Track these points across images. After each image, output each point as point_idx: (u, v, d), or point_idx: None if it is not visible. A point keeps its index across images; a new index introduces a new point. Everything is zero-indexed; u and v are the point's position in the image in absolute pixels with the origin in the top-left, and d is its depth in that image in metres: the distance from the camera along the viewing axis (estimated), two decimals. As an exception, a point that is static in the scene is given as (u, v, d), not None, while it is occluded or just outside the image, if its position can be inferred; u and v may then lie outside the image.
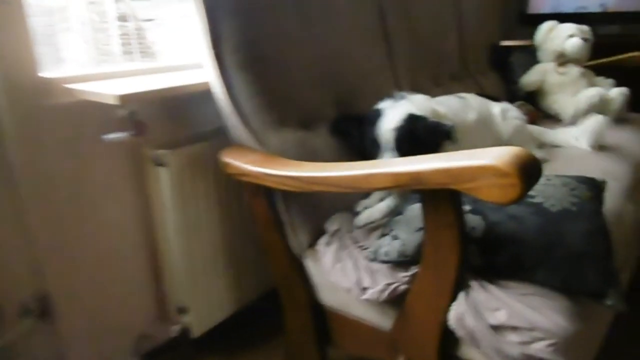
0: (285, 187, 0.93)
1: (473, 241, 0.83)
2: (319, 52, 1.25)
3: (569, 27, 2.05)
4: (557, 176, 1.01)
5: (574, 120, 1.85)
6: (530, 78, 2.05)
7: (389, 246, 0.89)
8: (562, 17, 2.16)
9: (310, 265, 1.09)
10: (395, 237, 0.89)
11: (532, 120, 1.97)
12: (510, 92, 2.20)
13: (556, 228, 0.80)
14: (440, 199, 0.76)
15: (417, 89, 1.61)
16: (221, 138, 1.13)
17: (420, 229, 0.86)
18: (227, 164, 1.05)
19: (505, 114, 1.44)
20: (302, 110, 1.17)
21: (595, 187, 0.97)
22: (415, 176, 0.72)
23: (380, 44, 1.50)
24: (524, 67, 2.16)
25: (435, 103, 1.24)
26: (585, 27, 2.07)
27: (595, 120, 1.57)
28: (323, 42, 1.27)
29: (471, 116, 1.34)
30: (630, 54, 2.16)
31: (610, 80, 2.07)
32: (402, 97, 1.13)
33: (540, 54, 2.14)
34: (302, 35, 1.20)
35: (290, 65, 1.16)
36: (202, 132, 1.30)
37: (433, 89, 1.74)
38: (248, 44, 1.06)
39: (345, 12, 1.37)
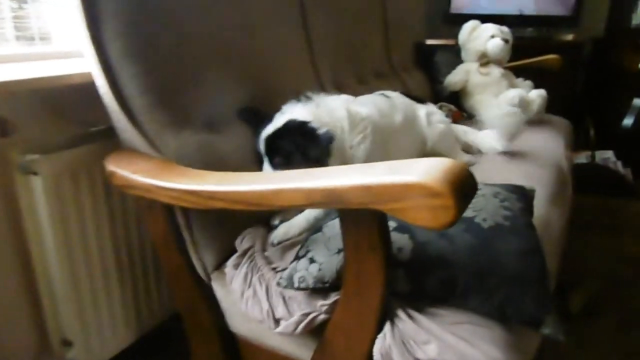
0: (181, 203, 0.77)
1: (400, 264, 0.72)
2: (229, 41, 1.09)
3: (491, 28, 2.05)
4: (486, 185, 0.93)
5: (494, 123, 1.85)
6: (454, 78, 2.03)
7: (305, 271, 0.76)
8: (483, 18, 2.16)
9: (217, 289, 0.94)
10: (312, 260, 0.76)
11: (455, 121, 1.94)
12: (435, 91, 2.17)
13: (490, 248, 0.72)
14: (361, 218, 0.64)
15: (340, 87, 1.51)
16: (112, 140, 0.94)
17: (341, 250, 0.74)
18: (112, 174, 0.86)
19: (429, 117, 1.37)
20: (208, 109, 1.01)
21: (524, 196, 0.91)
22: (331, 193, 0.59)
23: (300, 38, 1.37)
24: (448, 66, 2.14)
25: (359, 103, 1.14)
26: (505, 29, 2.08)
27: (508, 122, 1.55)
28: (235, 28, 1.11)
29: (397, 118, 1.25)
30: (548, 57, 2.22)
31: (529, 82, 2.11)
32: (308, 99, 1.02)
33: (464, 54, 2.13)
34: (207, 19, 1.04)
35: (192, 54, 0.99)
36: (88, 133, 1.09)
37: (357, 87, 1.64)
38: (136, 25, 0.88)
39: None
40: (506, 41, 2.00)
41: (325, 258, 0.75)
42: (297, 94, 1.22)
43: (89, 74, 0.90)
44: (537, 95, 1.85)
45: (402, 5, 2.11)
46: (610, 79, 3.03)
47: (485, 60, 2.03)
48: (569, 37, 2.93)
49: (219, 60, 1.06)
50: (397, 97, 1.34)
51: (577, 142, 2.26)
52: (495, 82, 1.98)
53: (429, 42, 2.47)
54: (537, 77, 2.23)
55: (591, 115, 2.78)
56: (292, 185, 0.63)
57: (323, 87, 1.42)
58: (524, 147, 1.56)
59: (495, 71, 2.00)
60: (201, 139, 0.95)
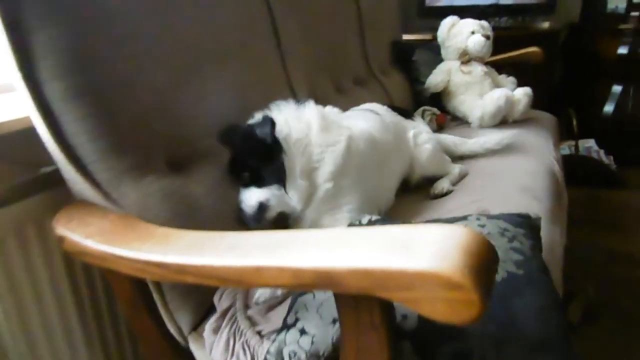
0: (145, 276, 0.66)
1: (405, 335, 0.62)
2: (189, 60, 0.97)
3: (470, 24, 1.96)
4: (490, 218, 0.84)
5: (481, 123, 1.77)
6: (436, 79, 1.93)
7: (296, 345, 0.66)
8: (459, 10, 2.08)
9: (196, 352, 0.83)
10: (303, 332, 0.66)
11: (441, 124, 1.86)
12: (416, 92, 2.08)
13: (505, 308, 0.62)
14: (361, 301, 0.53)
15: (316, 97, 1.39)
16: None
17: (337, 320, 0.64)
18: (62, 239, 0.74)
19: (416, 139, 1.27)
20: (173, 147, 0.89)
21: (532, 230, 0.82)
22: (324, 276, 0.49)
23: (270, 44, 1.25)
24: (428, 66, 2.05)
25: (347, 118, 1.04)
26: (485, 23, 2.00)
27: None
28: (196, 45, 0.99)
29: (389, 137, 1.14)
30: (528, 50, 2.15)
31: (512, 79, 2.03)
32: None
33: (444, 52, 2.03)
34: (163, 39, 0.91)
35: (151, 85, 0.86)
36: (38, 176, 0.95)
37: (335, 96, 1.54)
38: (80, 59, 0.75)
39: (224, 6, 1.10)
40: (487, 37, 1.92)
41: (319, 329, 0.65)
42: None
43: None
44: (523, 94, 1.77)
45: (376, 2, 2.00)
46: (588, 66, 2.99)
47: (466, 57, 1.94)
48: (545, 25, 2.87)
49: (183, 86, 0.93)
50: (385, 113, 1.24)
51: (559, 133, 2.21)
52: (478, 81, 1.89)
53: (405, 37, 2.38)
54: (516, 68, 2.17)
55: (571, 104, 2.73)
56: (277, 263, 0.52)
57: (296, 98, 1.31)
58: (513, 151, 1.48)
59: (478, 69, 1.92)
60: (167, 184, 0.83)
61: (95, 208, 0.78)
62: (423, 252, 0.44)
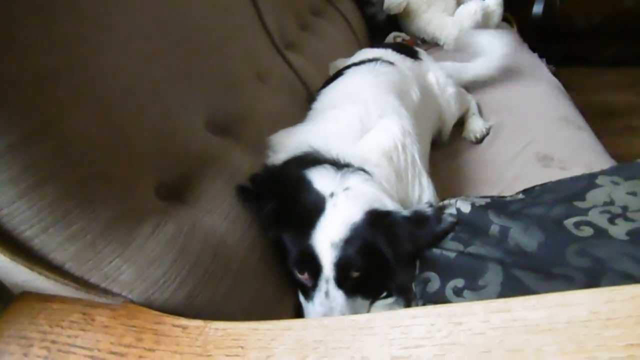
0: None
1: None
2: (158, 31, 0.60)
3: None
4: (612, 174, 0.64)
5: (460, 44, 1.55)
6: (395, -1, 1.64)
7: None
8: None
9: None
10: None
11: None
12: (369, 17, 1.78)
13: None
14: None
15: (291, 45, 1.07)
16: None
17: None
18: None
19: (439, 85, 1.01)
20: (159, 167, 0.54)
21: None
22: None
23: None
24: (376, -17, 1.74)
25: (382, 109, 0.72)
26: None
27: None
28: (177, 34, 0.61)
29: (415, 95, 0.86)
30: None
31: (471, -13, 1.80)
32: (348, 168, 0.62)
33: (395, -36, 1.73)
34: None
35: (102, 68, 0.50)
36: None
37: (301, 35, 1.20)
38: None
39: None
40: (442, -59, 1.65)
41: None
42: (260, 76, 0.80)
43: None
44: (495, 4, 1.56)
45: None
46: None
47: (422, -31, 1.66)
48: None
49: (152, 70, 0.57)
50: (398, 60, 0.94)
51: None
52: (440, -5, 1.64)
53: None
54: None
55: (505, 9, 2.61)
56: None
57: (280, 52, 0.97)
58: (512, 73, 1.29)
59: (438, -18, 1.66)
60: (171, 228, 0.50)
61: (65, 306, 0.44)
62: None
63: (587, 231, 0.56)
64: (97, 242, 0.44)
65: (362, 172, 0.61)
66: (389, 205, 0.59)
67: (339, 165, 0.63)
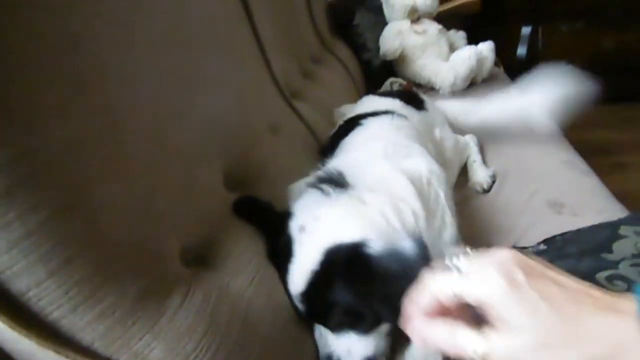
0: None
1: None
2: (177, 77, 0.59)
3: (414, -24, 1.73)
4: (637, 226, 0.64)
5: (453, 88, 1.58)
6: (392, 44, 1.68)
7: None
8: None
9: None
10: None
11: (408, 95, 1.64)
12: (365, 62, 1.82)
13: None
14: None
15: (296, 94, 1.07)
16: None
17: None
18: None
19: (443, 139, 1.02)
20: (184, 231, 0.52)
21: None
22: None
23: (248, 37, 0.88)
24: (371, 30, 1.79)
25: (400, 155, 0.70)
26: (427, -26, 1.78)
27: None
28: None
29: (430, 150, 0.85)
30: (462, 1, 2.00)
31: (462, 33, 1.88)
32: (337, 187, 0.60)
33: (388, 11, 1.79)
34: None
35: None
36: None
37: (304, 83, 1.22)
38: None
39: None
40: (436, -11, 1.71)
41: None
42: (272, 128, 0.79)
43: None
44: (488, 50, 1.61)
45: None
46: (496, 8, 2.98)
47: (416, 15, 1.72)
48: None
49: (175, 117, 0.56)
50: (411, 116, 0.94)
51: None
52: (434, 41, 1.69)
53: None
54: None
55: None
56: None
57: (289, 102, 0.97)
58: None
59: (432, 27, 1.71)
60: (198, 301, 0.47)
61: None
62: None
63: (621, 286, 0.55)
64: (126, 318, 0.41)
65: (355, 194, 0.57)
66: (357, 235, 0.52)
67: (339, 185, 0.59)
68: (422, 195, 0.60)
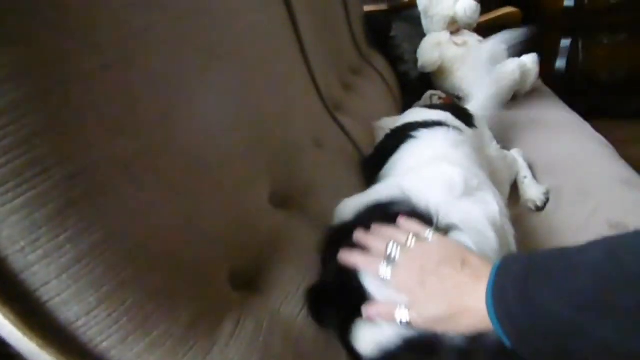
0: None
1: None
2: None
3: (455, -13, 1.69)
4: None
5: (497, 102, 1.52)
6: (432, 56, 1.63)
7: None
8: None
9: None
10: None
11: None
12: (401, 73, 1.78)
13: None
14: None
15: (338, 106, 1.04)
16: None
17: None
18: None
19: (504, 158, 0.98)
20: (233, 252, 0.49)
21: None
22: None
23: (294, 50, 0.86)
24: (409, 41, 1.75)
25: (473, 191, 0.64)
26: (468, -17, 1.73)
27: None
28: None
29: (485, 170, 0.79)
30: (507, 11, 1.95)
31: (503, 45, 1.80)
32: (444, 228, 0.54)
33: (427, 22, 1.74)
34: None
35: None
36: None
37: (345, 96, 1.18)
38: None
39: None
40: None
41: None
42: (317, 142, 0.76)
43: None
44: (532, 63, 1.55)
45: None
46: (534, 20, 2.90)
47: (456, 26, 1.67)
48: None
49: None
50: (465, 130, 0.90)
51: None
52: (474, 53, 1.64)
53: (366, 9, 2.05)
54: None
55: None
56: None
57: (332, 115, 0.94)
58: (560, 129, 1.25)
59: (472, 39, 1.66)
60: (257, 320, 0.44)
61: None
62: None
63: None
64: (178, 348, 0.38)
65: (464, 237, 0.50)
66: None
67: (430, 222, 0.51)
68: (500, 239, 0.55)
